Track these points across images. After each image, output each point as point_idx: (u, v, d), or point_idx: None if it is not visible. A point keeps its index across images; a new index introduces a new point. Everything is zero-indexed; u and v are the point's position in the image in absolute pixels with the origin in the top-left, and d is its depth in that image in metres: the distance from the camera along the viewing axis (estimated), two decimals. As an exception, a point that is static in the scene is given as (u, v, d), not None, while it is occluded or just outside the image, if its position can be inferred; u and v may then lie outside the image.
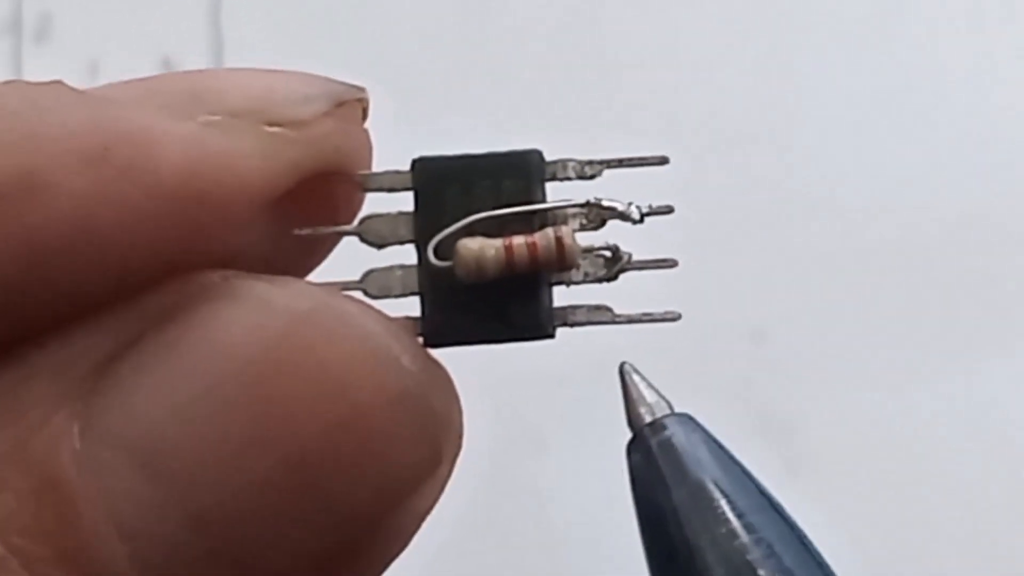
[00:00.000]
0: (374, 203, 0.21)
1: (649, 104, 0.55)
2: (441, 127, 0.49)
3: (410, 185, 0.20)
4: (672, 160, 0.20)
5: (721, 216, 0.50)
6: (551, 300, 0.20)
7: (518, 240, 0.20)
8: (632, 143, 0.22)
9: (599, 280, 0.20)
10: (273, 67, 0.20)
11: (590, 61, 0.55)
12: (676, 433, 0.20)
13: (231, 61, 0.55)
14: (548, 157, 0.20)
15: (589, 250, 0.20)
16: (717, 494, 0.19)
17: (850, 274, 0.53)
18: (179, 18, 0.54)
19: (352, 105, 0.20)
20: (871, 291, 0.54)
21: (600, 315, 0.20)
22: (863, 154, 0.54)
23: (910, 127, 0.55)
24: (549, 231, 0.20)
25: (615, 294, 0.21)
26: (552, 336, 0.20)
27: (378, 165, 0.21)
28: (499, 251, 0.20)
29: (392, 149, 0.22)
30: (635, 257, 0.20)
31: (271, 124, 0.19)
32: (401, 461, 0.19)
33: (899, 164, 0.54)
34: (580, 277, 0.20)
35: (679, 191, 0.53)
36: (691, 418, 0.20)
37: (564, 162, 0.20)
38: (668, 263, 0.20)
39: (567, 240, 0.20)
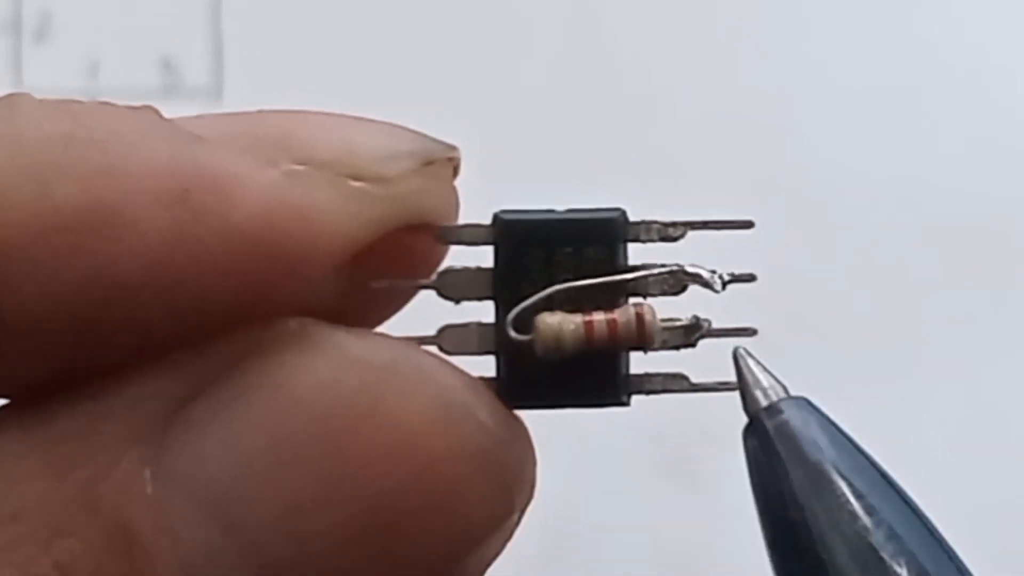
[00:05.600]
0: (452, 254, 0.21)
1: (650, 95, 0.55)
2: (438, 129, 0.49)
3: (490, 240, 0.20)
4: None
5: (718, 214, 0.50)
6: (627, 368, 0.20)
7: (598, 316, 0.19)
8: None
9: (677, 347, 0.20)
10: (361, 115, 0.20)
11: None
12: (792, 416, 0.20)
13: (231, 61, 0.54)
14: (632, 216, 0.20)
15: (669, 326, 0.20)
16: (836, 476, 0.19)
17: (851, 274, 0.53)
18: (179, 18, 0.54)
19: (442, 163, 0.20)
20: (872, 291, 0.53)
21: (676, 383, 0.20)
22: (865, 152, 0.54)
23: (915, 127, 0.55)
24: (630, 309, 0.20)
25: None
26: (627, 404, 0.20)
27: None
28: (578, 328, 0.19)
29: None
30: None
31: (356, 178, 0.19)
32: (474, 514, 0.18)
33: (903, 164, 0.54)
34: (658, 344, 0.20)
35: (679, 184, 0.52)
36: (807, 401, 0.20)
37: (648, 224, 0.20)
38: (748, 331, 0.20)
39: (647, 318, 0.19)
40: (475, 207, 0.21)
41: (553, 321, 0.19)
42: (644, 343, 0.20)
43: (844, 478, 0.19)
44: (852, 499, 0.19)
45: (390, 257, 0.20)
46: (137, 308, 0.18)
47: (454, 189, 0.20)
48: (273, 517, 0.18)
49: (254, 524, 0.18)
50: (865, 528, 0.19)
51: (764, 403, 0.20)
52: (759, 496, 0.20)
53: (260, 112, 0.20)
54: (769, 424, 0.20)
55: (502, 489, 0.19)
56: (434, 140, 0.20)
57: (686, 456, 0.52)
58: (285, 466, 0.18)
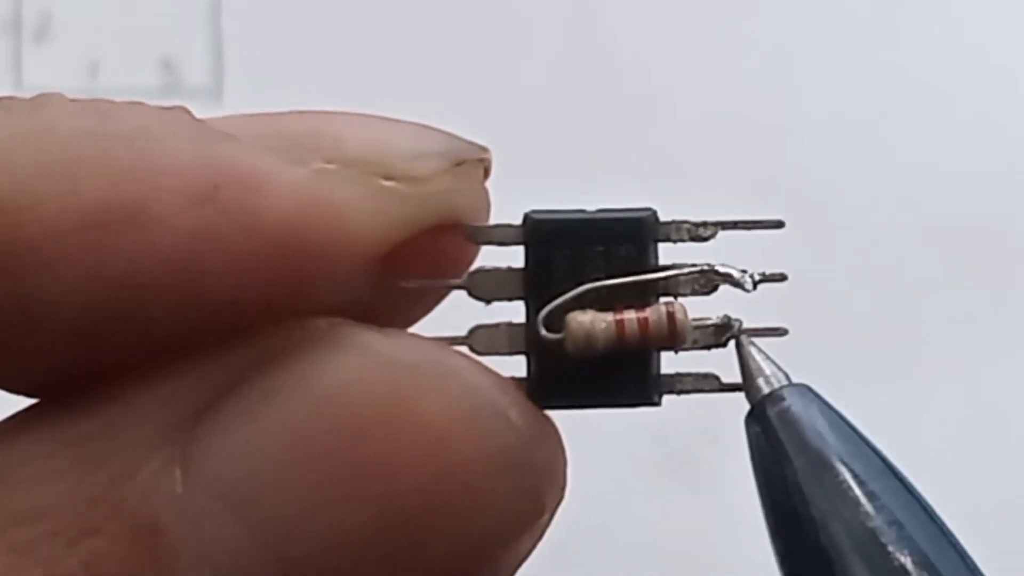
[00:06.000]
0: (484, 256, 0.21)
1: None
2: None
3: (521, 240, 0.20)
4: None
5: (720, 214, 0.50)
6: (658, 368, 0.20)
7: (629, 315, 0.19)
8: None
9: (707, 347, 0.20)
10: (392, 116, 0.20)
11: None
12: (794, 403, 0.20)
13: (231, 61, 0.54)
14: (662, 216, 0.20)
15: (700, 325, 0.20)
16: (837, 463, 0.19)
17: (851, 274, 0.53)
18: (179, 18, 0.54)
19: (473, 164, 0.20)
20: (872, 291, 0.54)
21: (706, 383, 0.20)
22: (865, 152, 0.54)
23: (915, 127, 0.55)
24: (661, 307, 0.19)
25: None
26: (658, 404, 0.20)
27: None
28: (610, 326, 0.19)
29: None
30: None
31: (386, 177, 0.19)
32: (503, 514, 0.18)
33: (903, 164, 0.54)
34: (689, 344, 0.20)
35: (679, 184, 0.53)
36: (809, 388, 0.20)
37: (678, 224, 0.20)
38: (778, 331, 0.20)
39: (679, 317, 0.19)
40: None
41: (584, 319, 0.19)
42: (675, 342, 0.20)
43: (845, 464, 0.19)
44: (854, 485, 0.19)
45: (421, 257, 0.20)
46: (165, 305, 0.18)
47: (485, 190, 0.20)
48: (300, 516, 0.18)
49: (281, 523, 0.18)
50: (867, 514, 0.19)
51: (766, 390, 0.20)
52: (761, 483, 0.20)
53: (290, 112, 0.20)
54: (771, 411, 0.20)
55: (531, 489, 0.19)
56: (465, 141, 0.20)
57: (687, 456, 0.52)
58: (313, 465, 0.18)
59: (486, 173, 0.20)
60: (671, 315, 0.19)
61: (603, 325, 0.19)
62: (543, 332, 0.19)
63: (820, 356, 0.54)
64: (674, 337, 0.19)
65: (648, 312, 0.19)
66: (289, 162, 0.18)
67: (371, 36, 0.55)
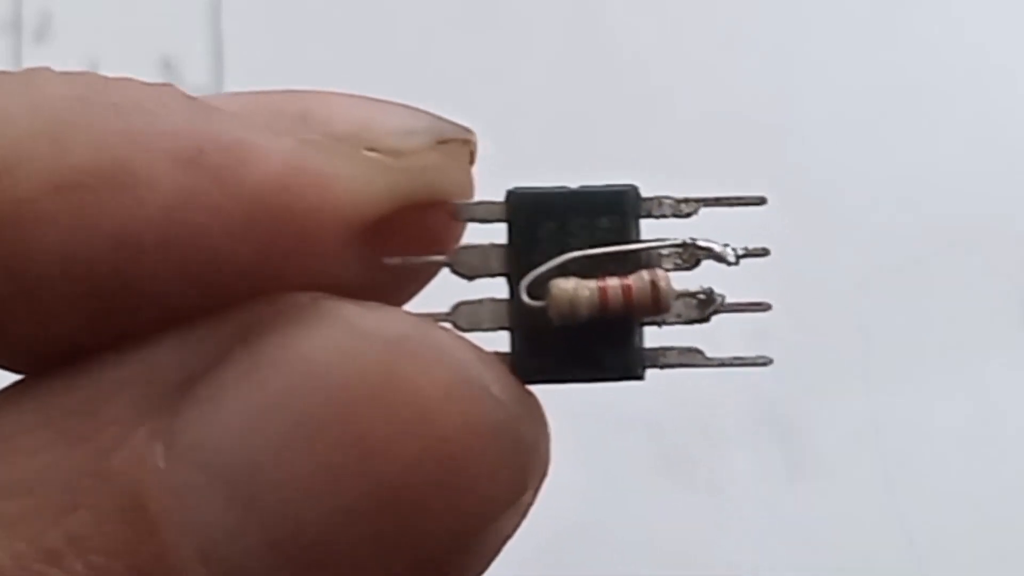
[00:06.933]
0: (467, 233, 0.21)
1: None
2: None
3: (503, 217, 0.20)
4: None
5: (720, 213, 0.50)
6: (642, 341, 0.20)
7: (612, 282, 0.19)
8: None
9: (691, 322, 0.20)
10: (378, 96, 0.20)
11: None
12: None
13: (231, 61, 0.55)
14: (644, 193, 0.20)
15: (684, 294, 0.20)
16: None
17: (851, 273, 0.53)
18: (179, 18, 0.54)
19: (458, 144, 0.20)
20: (873, 291, 0.53)
21: (691, 358, 0.20)
22: (865, 152, 0.54)
23: (915, 127, 0.55)
24: (644, 274, 0.20)
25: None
26: (642, 378, 0.20)
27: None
28: (593, 293, 0.19)
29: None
30: (719, 288, 0.20)
31: (370, 150, 0.19)
32: (488, 490, 0.18)
33: (903, 164, 0.54)
34: (672, 318, 0.20)
35: (679, 184, 0.53)
36: None
37: (660, 199, 0.20)
38: (762, 306, 0.20)
39: (662, 284, 0.19)
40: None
41: (567, 286, 0.19)
42: (659, 310, 0.19)
43: None
44: None
45: (407, 236, 0.20)
46: (151, 271, 0.18)
47: (469, 170, 0.20)
48: (284, 493, 0.18)
49: (265, 499, 0.18)
50: None
51: None
52: None
53: (280, 90, 0.20)
54: None
55: (514, 464, 0.19)
56: (450, 122, 0.20)
57: (684, 455, 0.52)
58: (295, 442, 0.18)
59: (472, 157, 0.20)
60: (654, 283, 0.19)
61: (586, 292, 0.19)
62: (526, 299, 0.19)
63: (820, 356, 0.54)
64: (657, 305, 0.19)
65: (631, 280, 0.19)
66: (275, 132, 0.19)
67: (371, 36, 0.55)
